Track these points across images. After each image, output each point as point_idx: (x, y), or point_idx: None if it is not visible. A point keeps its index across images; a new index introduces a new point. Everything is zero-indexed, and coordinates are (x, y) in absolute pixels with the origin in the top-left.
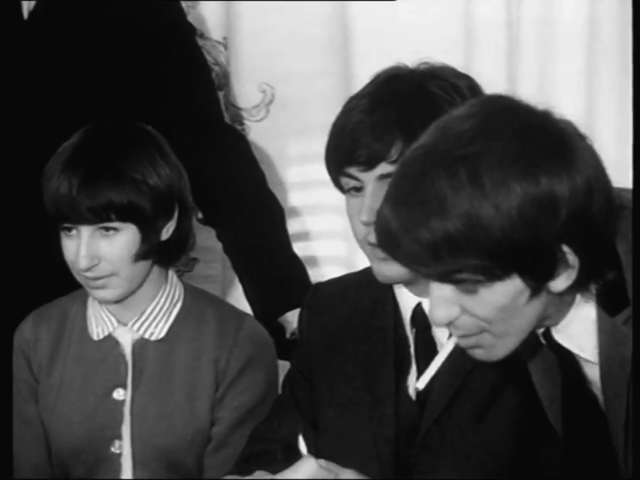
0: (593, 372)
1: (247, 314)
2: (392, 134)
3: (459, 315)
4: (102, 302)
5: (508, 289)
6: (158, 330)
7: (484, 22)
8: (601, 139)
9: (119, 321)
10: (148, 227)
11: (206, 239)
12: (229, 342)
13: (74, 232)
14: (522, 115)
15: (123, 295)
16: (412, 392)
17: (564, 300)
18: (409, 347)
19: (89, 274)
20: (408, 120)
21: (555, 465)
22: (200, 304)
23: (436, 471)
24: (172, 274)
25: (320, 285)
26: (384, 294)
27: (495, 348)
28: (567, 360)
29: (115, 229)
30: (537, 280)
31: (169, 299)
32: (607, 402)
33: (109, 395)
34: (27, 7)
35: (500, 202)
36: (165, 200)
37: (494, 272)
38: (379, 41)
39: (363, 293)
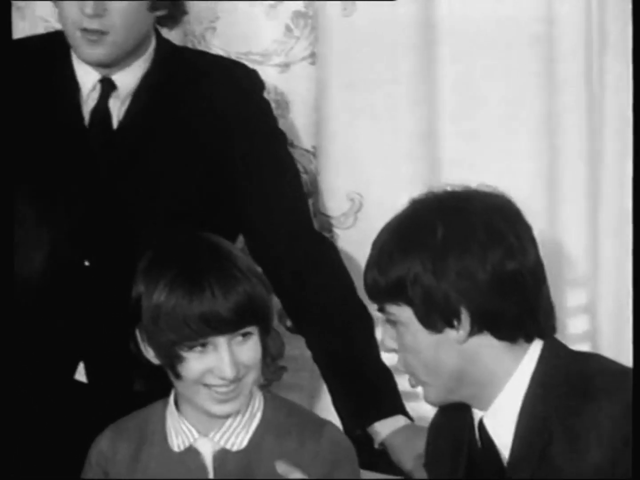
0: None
1: (327, 422)
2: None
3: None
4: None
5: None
6: (239, 440)
7: None
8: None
9: (199, 432)
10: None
11: (295, 347)
12: (310, 451)
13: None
14: None
15: None
16: None
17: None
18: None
19: None
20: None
21: None
22: (280, 414)
23: None
24: None
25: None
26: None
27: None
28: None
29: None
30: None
31: (250, 409)
32: None
33: None
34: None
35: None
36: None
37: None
38: (466, 150)
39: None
